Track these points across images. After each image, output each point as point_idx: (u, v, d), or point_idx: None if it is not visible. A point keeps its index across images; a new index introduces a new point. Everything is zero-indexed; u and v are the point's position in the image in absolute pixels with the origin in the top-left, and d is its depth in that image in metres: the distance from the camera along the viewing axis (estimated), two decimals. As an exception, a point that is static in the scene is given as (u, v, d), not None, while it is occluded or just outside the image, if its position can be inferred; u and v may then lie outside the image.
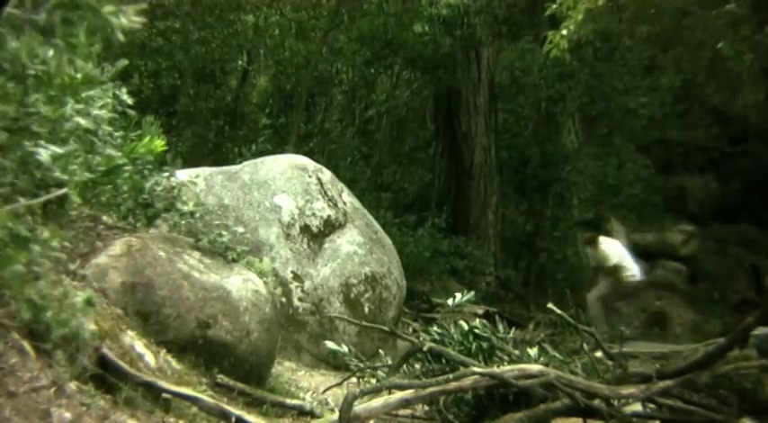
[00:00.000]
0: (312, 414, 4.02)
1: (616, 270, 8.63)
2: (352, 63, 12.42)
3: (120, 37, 1.78)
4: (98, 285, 3.70)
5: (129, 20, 1.77)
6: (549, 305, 4.84)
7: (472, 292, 5.28)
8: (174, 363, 3.70)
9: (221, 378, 3.90)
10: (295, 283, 6.12)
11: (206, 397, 3.38)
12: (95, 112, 3.08)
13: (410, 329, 7.37)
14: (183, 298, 3.93)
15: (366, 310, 6.33)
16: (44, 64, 2.03)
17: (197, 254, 4.31)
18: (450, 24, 11.25)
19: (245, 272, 4.45)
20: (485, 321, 4.80)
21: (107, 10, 1.74)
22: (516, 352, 4.58)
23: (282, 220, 6.29)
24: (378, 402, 3.55)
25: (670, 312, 12.86)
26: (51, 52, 1.92)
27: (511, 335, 4.85)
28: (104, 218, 4.34)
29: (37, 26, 1.77)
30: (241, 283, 4.28)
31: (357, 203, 7.17)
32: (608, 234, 9.46)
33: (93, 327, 2.95)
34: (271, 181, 6.51)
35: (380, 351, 5.50)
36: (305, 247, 6.31)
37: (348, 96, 13.30)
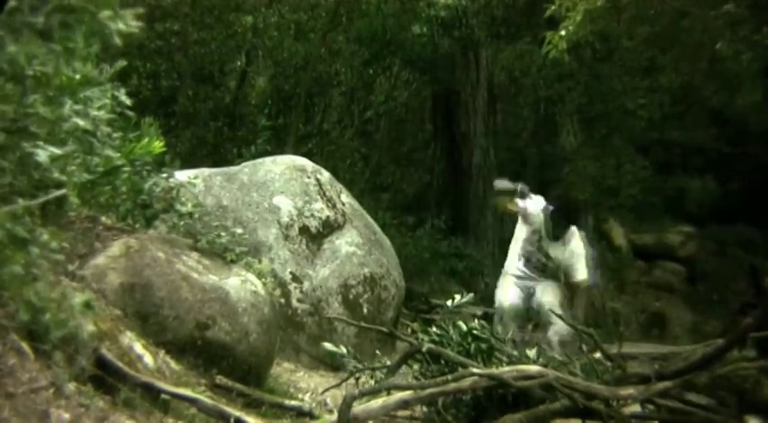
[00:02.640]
0: (311, 415, 4.02)
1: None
2: (350, 64, 12.40)
3: (118, 41, 1.78)
4: (97, 286, 3.71)
5: (126, 24, 1.77)
6: (548, 306, 4.84)
7: (471, 294, 5.29)
8: (172, 363, 3.70)
9: (220, 379, 3.90)
10: (294, 284, 6.11)
11: (205, 398, 3.38)
12: (94, 113, 3.08)
13: (409, 330, 7.36)
14: (181, 299, 3.94)
15: (365, 310, 6.33)
16: (43, 65, 2.04)
17: (196, 255, 4.31)
18: (449, 25, 11.25)
19: (243, 273, 4.46)
20: (483, 322, 4.81)
21: (104, 14, 1.74)
22: (515, 353, 4.58)
23: (281, 221, 6.29)
24: (376, 403, 3.55)
25: (669, 313, 12.87)
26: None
27: (509, 336, 4.85)
28: (103, 219, 4.34)
29: (35, 29, 1.77)
30: (240, 284, 4.29)
31: (356, 204, 7.17)
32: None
33: (91, 328, 2.95)
34: (269, 182, 6.51)
35: (379, 352, 5.51)
36: (304, 248, 6.30)
37: (347, 97, 13.29)
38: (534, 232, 6.69)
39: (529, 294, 6.70)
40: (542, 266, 6.69)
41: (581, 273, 6.71)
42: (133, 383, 3.11)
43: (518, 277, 6.72)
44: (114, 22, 1.75)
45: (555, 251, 6.72)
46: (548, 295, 6.62)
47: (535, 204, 6.77)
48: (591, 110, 12.40)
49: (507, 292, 6.75)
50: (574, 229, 6.82)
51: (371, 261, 6.61)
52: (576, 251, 6.73)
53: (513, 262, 6.78)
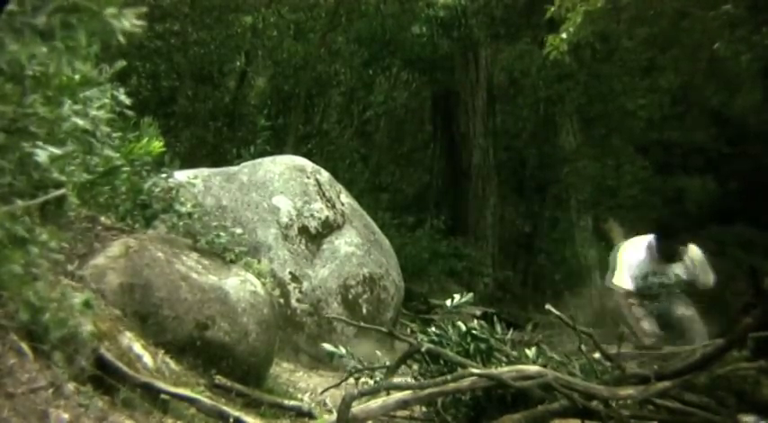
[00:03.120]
0: (310, 415, 4.02)
1: None
2: (350, 64, 12.42)
3: (122, 40, 1.78)
4: (96, 286, 3.70)
5: (129, 23, 1.77)
6: (548, 306, 4.83)
7: (470, 294, 5.27)
8: (172, 364, 3.70)
9: (219, 379, 3.89)
10: (293, 285, 6.12)
11: (204, 398, 3.38)
12: (93, 112, 3.07)
13: (408, 330, 7.35)
14: (181, 299, 3.94)
15: (364, 311, 6.33)
16: (42, 65, 2.04)
17: (195, 255, 4.31)
18: (448, 25, 11.28)
19: (243, 273, 4.45)
20: (483, 322, 4.79)
21: (108, 13, 1.74)
22: (514, 353, 4.57)
23: (281, 221, 6.29)
24: (376, 403, 3.54)
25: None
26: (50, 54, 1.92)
27: (509, 336, 4.84)
28: (102, 219, 4.34)
29: (36, 29, 1.77)
30: (239, 285, 4.28)
31: (355, 204, 7.18)
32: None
33: (91, 328, 2.95)
34: (269, 182, 6.51)
35: (378, 352, 5.50)
36: (303, 248, 6.31)
37: (346, 97, 13.31)
38: (652, 274, 6.26)
39: (664, 308, 6.45)
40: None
41: (710, 276, 6.54)
42: (132, 383, 3.11)
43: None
44: (118, 20, 1.75)
45: (674, 270, 6.31)
46: (682, 300, 6.47)
47: (637, 253, 6.13)
48: (591, 110, 12.41)
49: (642, 319, 6.27)
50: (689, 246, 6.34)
51: (371, 261, 6.61)
52: (698, 259, 6.43)
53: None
